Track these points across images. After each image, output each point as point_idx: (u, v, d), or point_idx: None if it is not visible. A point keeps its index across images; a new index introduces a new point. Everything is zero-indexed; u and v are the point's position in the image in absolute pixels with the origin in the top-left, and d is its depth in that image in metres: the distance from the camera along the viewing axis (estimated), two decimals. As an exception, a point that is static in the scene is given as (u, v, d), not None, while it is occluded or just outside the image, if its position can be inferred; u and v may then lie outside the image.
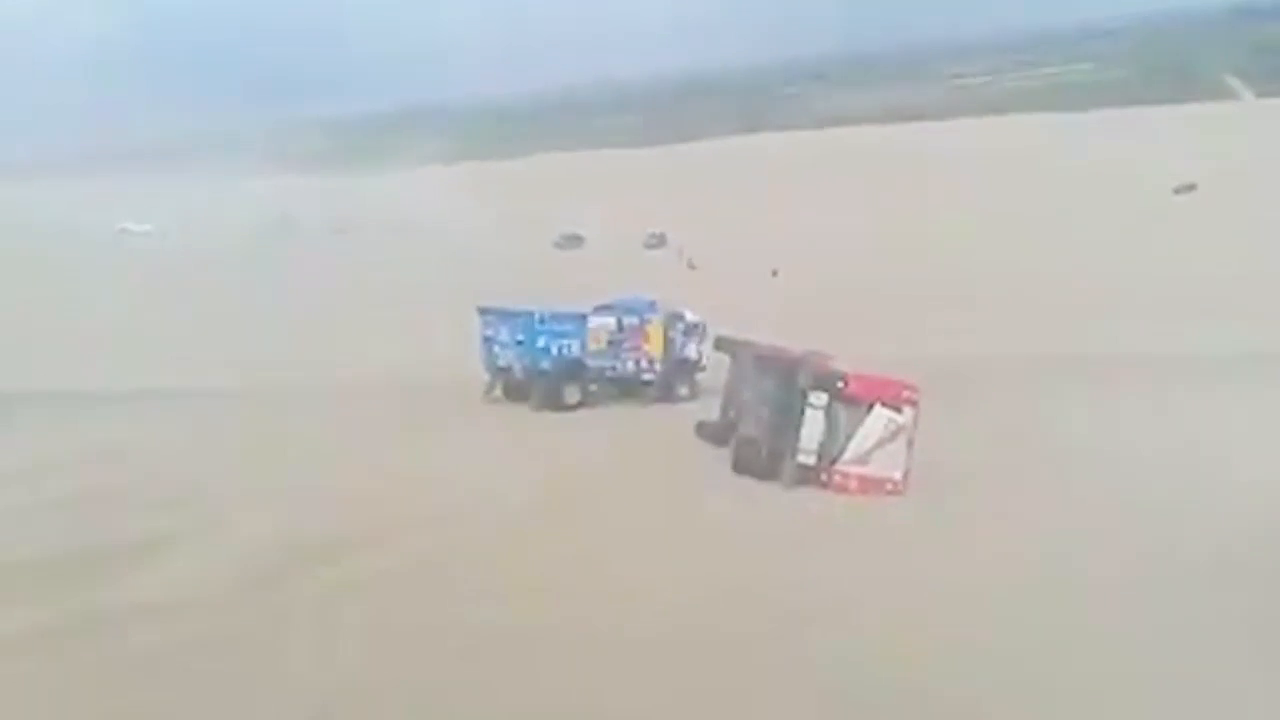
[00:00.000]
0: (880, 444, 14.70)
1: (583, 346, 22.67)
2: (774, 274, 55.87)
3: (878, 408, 14.76)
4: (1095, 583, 10.80)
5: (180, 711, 7.69)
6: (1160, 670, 8.48)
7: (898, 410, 14.77)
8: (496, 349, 22.67)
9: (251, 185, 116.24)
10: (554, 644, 8.93)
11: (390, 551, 11.42)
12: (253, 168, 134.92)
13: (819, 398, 14.87)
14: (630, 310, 23.68)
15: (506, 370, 22.63)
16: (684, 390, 23.77)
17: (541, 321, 22.49)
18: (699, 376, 23.98)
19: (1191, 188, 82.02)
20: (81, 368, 24.35)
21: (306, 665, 8.51)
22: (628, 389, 23.33)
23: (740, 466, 15.63)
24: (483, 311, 22.99)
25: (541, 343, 22.29)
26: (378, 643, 8.99)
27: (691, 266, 60.67)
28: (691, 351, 24.09)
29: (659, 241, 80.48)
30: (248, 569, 10.76)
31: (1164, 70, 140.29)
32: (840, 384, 14.81)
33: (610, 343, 22.99)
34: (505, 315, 22.74)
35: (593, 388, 22.75)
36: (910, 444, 14.73)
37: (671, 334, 23.78)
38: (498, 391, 22.93)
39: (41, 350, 26.11)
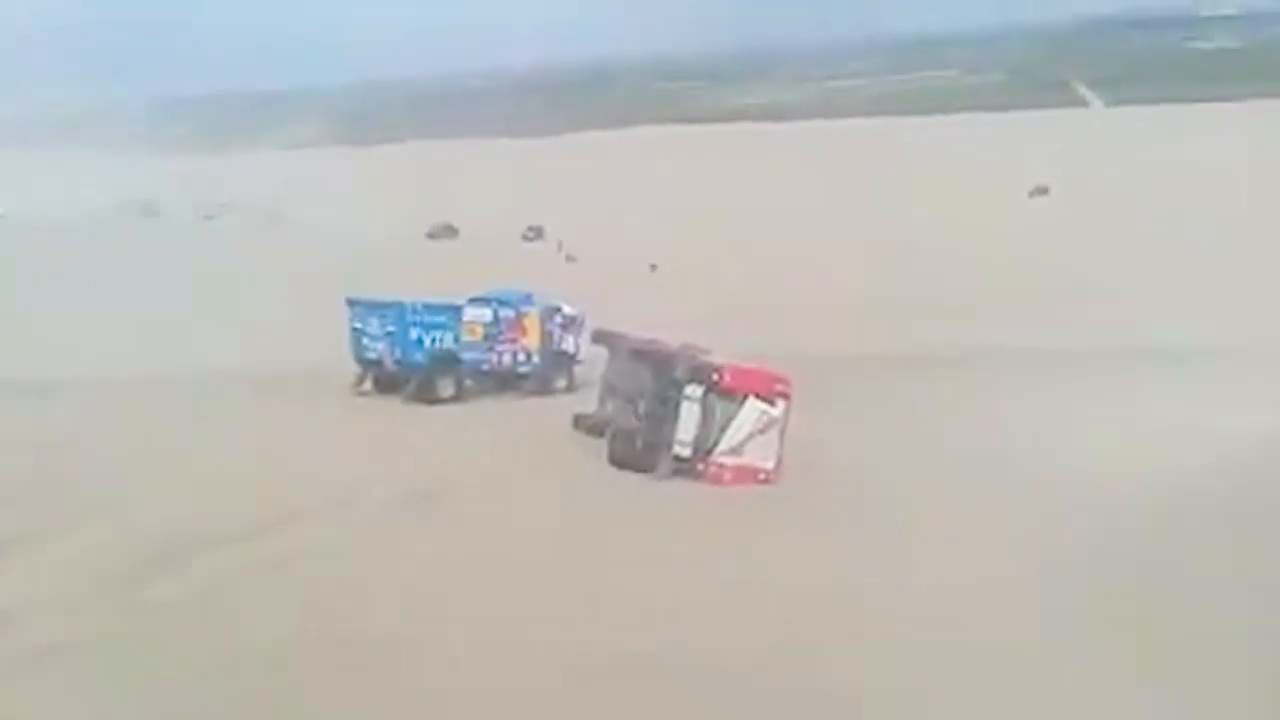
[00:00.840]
0: (753, 435, 14.88)
1: (457, 338, 22.19)
2: (653, 268, 56.26)
3: (751, 400, 14.94)
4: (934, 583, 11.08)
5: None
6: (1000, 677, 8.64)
7: (771, 402, 14.99)
8: (366, 340, 21.93)
9: (113, 166, 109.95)
10: (406, 647, 8.62)
11: (245, 551, 10.83)
12: (115, 148, 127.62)
13: (694, 390, 14.93)
14: (506, 302, 23.30)
15: (377, 362, 21.92)
16: (561, 383, 23.61)
17: (414, 312, 21.87)
18: (576, 369, 23.84)
19: (1045, 191, 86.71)
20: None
21: (146, 675, 7.96)
22: (504, 382, 22.99)
23: (616, 458, 15.57)
24: (351, 303, 22.19)
25: (414, 334, 21.70)
26: (226, 647, 8.49)
27: (570, 259, 60.48)
28: (569, 344, 23.94)
29: (537, 234, 79.82)
30: (92, 572, 10.05)
31: (1022, 78, 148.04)
32: (715, 376, 14.90)
33: (486, 335, 22.59)
34: (375, 306, 22.00)
35: (468, 381, 22.32)
36: (782, 435, 14.97)
37: (549, 326, 23.55)
38: (368, 384, 22.21)
39: None
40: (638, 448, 15.47)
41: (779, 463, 14.94)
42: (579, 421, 17.84)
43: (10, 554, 10.52)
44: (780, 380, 15.21)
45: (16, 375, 21.43)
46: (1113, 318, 34.73)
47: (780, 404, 15.03)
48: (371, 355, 21.88)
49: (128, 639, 8.70)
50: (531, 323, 23.19)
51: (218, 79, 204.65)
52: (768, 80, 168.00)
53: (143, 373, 22.59)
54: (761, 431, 14.91)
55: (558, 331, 23.77)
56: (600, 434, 16.73)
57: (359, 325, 21.98)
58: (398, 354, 21.55)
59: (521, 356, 23.12)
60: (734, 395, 14.92)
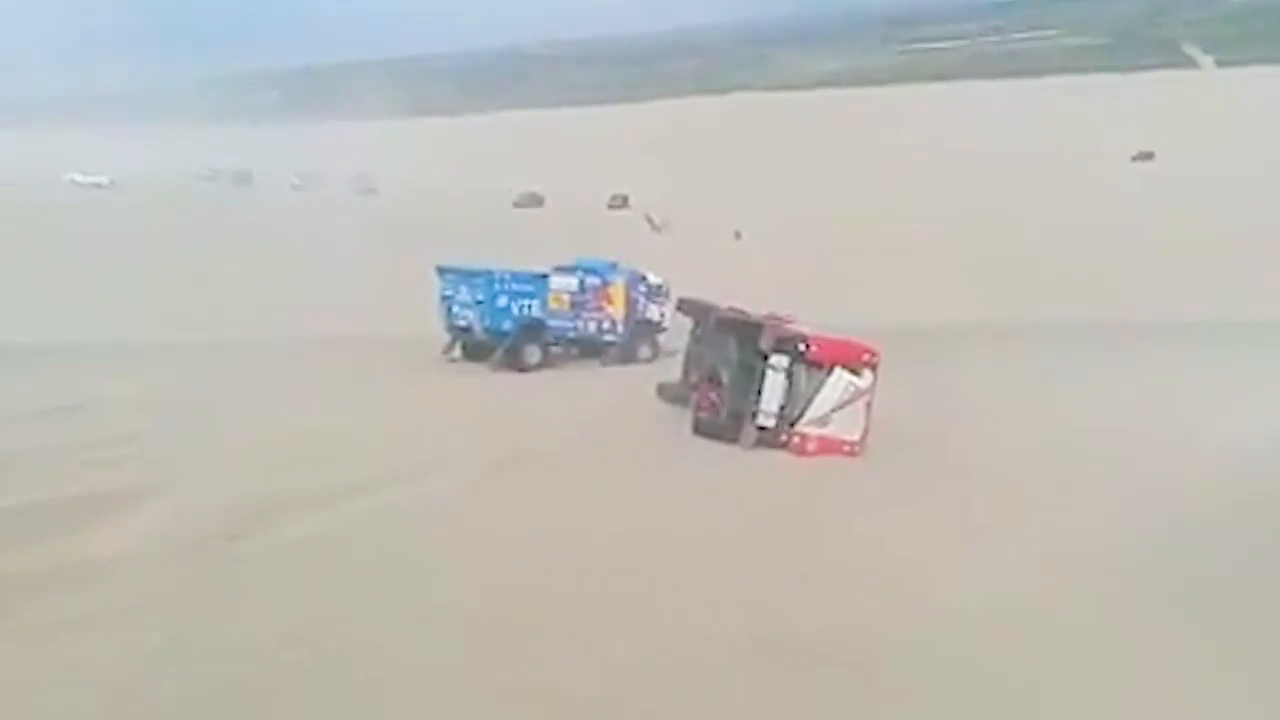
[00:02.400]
0: (839, 406, 14.73)
1: (543, 306, 22.44)
2: (737, 236, 55.91)
3: (838, 370, 14.77)
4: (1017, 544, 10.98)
5: (110, 672, 7.47)
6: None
7: (857, 374, 14.80)
8: (455, 308, 22.33)
9: (207, 136, 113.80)
10: (502, 615, 8.81)
11: (337, 513, 11.19)
12: (208, 119, 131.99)
13: (780, 360, 14.83)
14: (592, 271, 23.46)
15: (466, 330, 22.32)
16: (646, 352, 23.74)
17: (502, 281, 22.18)
18: (660, 338, 23.92)
19: (1149, 156, 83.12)
20: (34, 321, 23.58)
21: (245, 626, 8.31)
22: (589, 350, 23.21)
23: (701, 428, 15.60)
24: (442, 271, 22.61)
25: (502, 302, 22.02)
26: (328, 602, 8.82)
27: (656, 229, 60.41)
28: (654, 313, 24.02)
29: (622, 202, 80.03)
30: (198, 527, 10.49)
31: (1128, 38, 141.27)
32: (801, 347, 14.77)
33: (572, 303, 22.80)
34: (464, 274, 22.37)
35: (553, 348, 22.59)
36: (869, 407, 14.79)
37: (634, 295, 23.65)
38: (456, 351, 22.64)
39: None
40: (722, 417, 15.48)
41: (865, 434, 14.78)
42: (663, 390, 17.90)
43: (109, 511, 10.86)
44: (868, 351, 15.00)
45: (118, 337, 22.38)
46: (1214, 289, 33.26)
47: (867, 375, 14.83)
48: (461, 322, 22.29)
49: (215, 596, 8.95)
50: (617, 291, 23.32)
51: (303, 52, 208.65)
52: (855, 44, 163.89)
53: (238, 337, 23.43)
54: (848, 402, 14.73)
55: (642, 300, 23.87)
56: (684, 403, 16.78)
57: (449, 293, 22.39)
58: (486, 321, 21.91)
59: (606, 325, 23.30)
60: (821, 366, 14.77)
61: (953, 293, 34.76)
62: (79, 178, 72.16)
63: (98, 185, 71.75)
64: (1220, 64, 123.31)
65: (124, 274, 31.00)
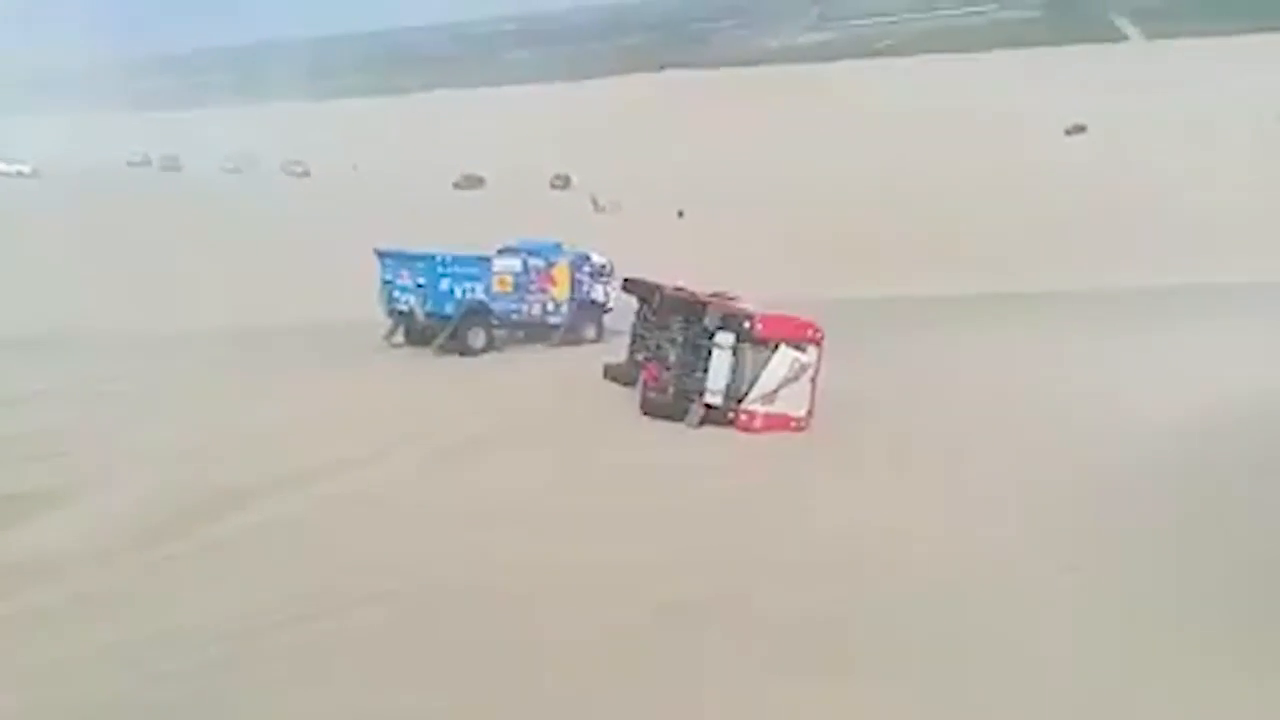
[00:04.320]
0: (785, 382, 14.82)
1: (487, 289, 22.15)
2: (680, 215, 55.90)
3: (783, 347, 14.85)
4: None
5: (55, 671, 7.24)
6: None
7: (802, 350, 14.90)
8: (396, 293, 21.92)
9: (131, 121, 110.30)
10: (449, 595, 8.74)
11: (282, 501, 10.99)
12: (132, 103, 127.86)
13: (725, 338, 14.87)
14: (535, 252, 23.23)
15: (408, 314, 21.93)
16: (591, 332, 23.63)
17: (444, 264, 21.81)
18: (606, 318, 23.83)
19: (1082, 129, 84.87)
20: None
21: (191, 620, 8.11)
22: (534, 332, 23.02)
23: (648, 407, 15.59)
24: (381, 255, 22.17)
25: (444, 286, 21.65)
26: (260, 597, 8.63)
27: (600, 209, 60.14)
28: (599, 294, 23.88)
29: (564, 183, 79.53)
30: (132, 523, 10.21)
31: (1058, 12, 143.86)
32: (746, 324, 14.81)
33: (516, 285, 22.55)
34: (405, 258, 21.95)
35: (499, 331, 22.36)
36: (814, 382, 14.92)
37: (578, 276, 23.50)
38: (399, 336, 22.28)
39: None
40: (669, 396, 15.49)
41: (811, 410, 14.91)
42: (609, 371, 17.84)
43: (56, 505, 10.66)
44: (811, 327, 15.10)
45: (51, 330, 21.68)
46: (1150, 256, 34.21)
47: (812, 351, 14.94)
48: (402, 307, 21.90)
49: (160, 589, 8.78)
50: (561, 273, 23.14)
51: (230, 32, 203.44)
52: (791, 22, 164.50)
53: (174, 327, 22.81)
54: (794, 379, 14.83)
55: (587, 281, 23.72)
56: (631, 383, 16.77)
57: (389, 277, 21.97)
58: (429, 305, 21.53)
59: (551, 306, 23.12)
60: (766, 343, 14.84)
61: (892, 267, 35.24)
62: (2, 166, 69.23)
63: (20, 174, 68.87)
64: (1148, 36, 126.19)
65: (53, 265, 29.89)
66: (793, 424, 14.83)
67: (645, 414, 15.51)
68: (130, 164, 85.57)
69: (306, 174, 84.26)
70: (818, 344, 14.99)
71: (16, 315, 22.45)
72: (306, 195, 64.20)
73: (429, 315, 21.58)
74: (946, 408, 16.01)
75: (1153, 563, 9.50)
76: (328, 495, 11.40)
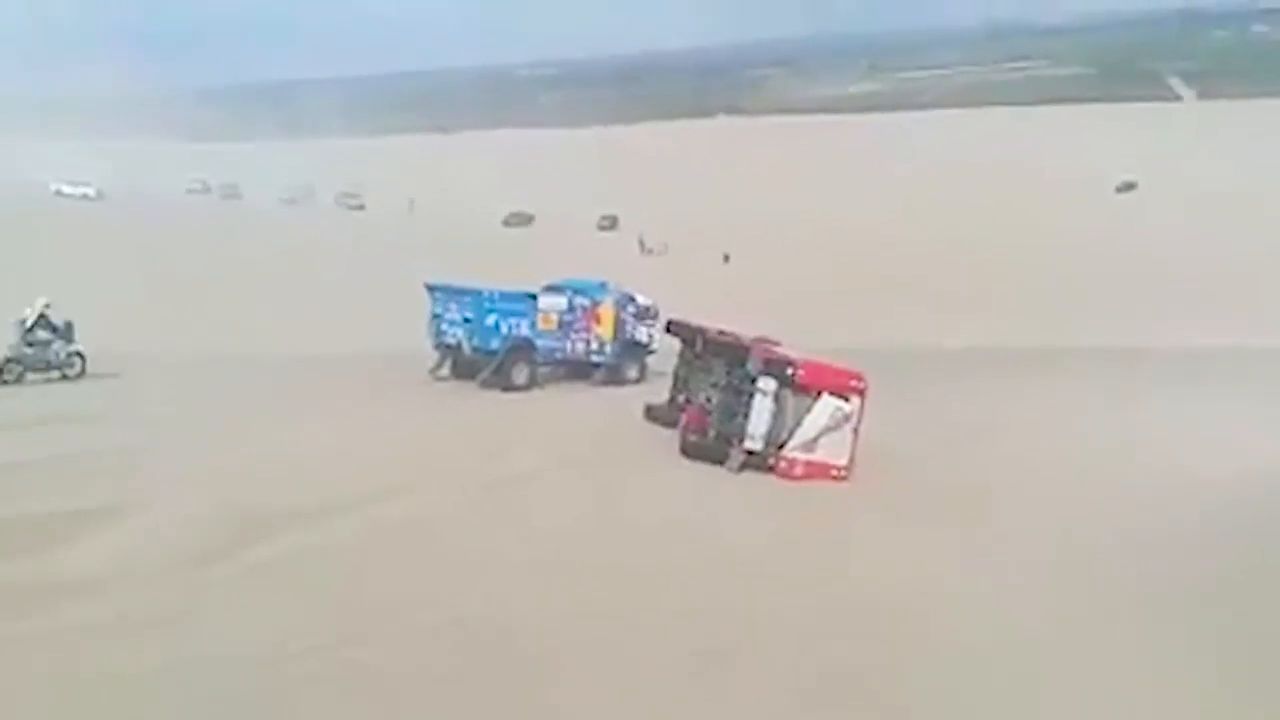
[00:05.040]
0: (826, 431, 14.82)
1: (532, 326, 22.43)
2: (726, 259, 56.20)
3: (825, 396, 14.86)
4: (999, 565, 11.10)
5: (96, 689, 7.40)
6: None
7: (845, 399, 14.90)
8: (445, 326, 22.29)
9: (192, 150, 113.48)
10: (492, 627, 8.82)
11: (325, 529, 11.17)
12: (195, 131, 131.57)
13: (768, 384, 14.92)
14: (581, 291, 23.51)
15: (455, 348, 22.28)
16: (634, 373, 23.74)
17: (491, 300, 22.18)
18: (649, 360, 23.97)
19: (1132, 186, 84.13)
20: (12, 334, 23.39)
21: (229, 643, 8.26)
22: (577, 370, 23.21)
23: (688, 450, 15.63)
24: (431, 288, 22.60)
25: (490, 321, 21.98)
26: (302, 618, 8.78)
27: (647, 251, 60.62)
28: (642, 334, 24.05)
29: (611, 223, 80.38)
30: (180, 544, 10.42)
31: (1110, 70, 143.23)
32: (789, 371, 14.86)
33: (560, 323, 22.81)
34: (454, 292, 22.36)
35: (542, 368, 22.58)
36: (856, 432, 14.89)
37: (622, 316, 23.69)
38: (445, 369, 22.61)
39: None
40: (709, 439, 15.54)
41: (852, 459, 14.86)
42: (651, 412, 17.90)
43: (106, 524, 10.83)
44: (855, 376, 15.11)
45: (110, 352, 22.17)
46: (1196, 316, 33.68)
47: (855, 400, 14.93)
48: (449, 340, 22.24)
49: (206, 611, 8.91)
50: (605, 312, 23.36)
51: (291, 66, 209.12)
52: (844, 71, 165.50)
53: (228, 351, 23.33)
54: (835, 428, 14.82)
55: (631, 321, 23.90)
56: (672, 425, 16.79)
57: (438, 311, 22.36)
58: (475, 340, 21.86)
59: (595, 345, 23.31)
60: (808, 390, 14.86)
61: (938, 317, 35.03)
62: (66, 188, 71.64)
63: (85, 196, 71.23)
64: (1202, 97, 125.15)
65: (114, 286, 30.81)
66: (833, 473, 14.79)
67: (685, 456, 15.56)
68: (190, 191, 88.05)
69: (361, 207, 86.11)
70: (860, 394, 14.98)
71: (78, 335, 23.10)
72: (360, 227, 65.59)
73: (475, 350, 21.89)
74: (989, 461, 15.83)
75: (1189, 630, 9.33)
76: (367, 525, 11.54)
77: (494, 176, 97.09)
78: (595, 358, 23.35)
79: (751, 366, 15.15)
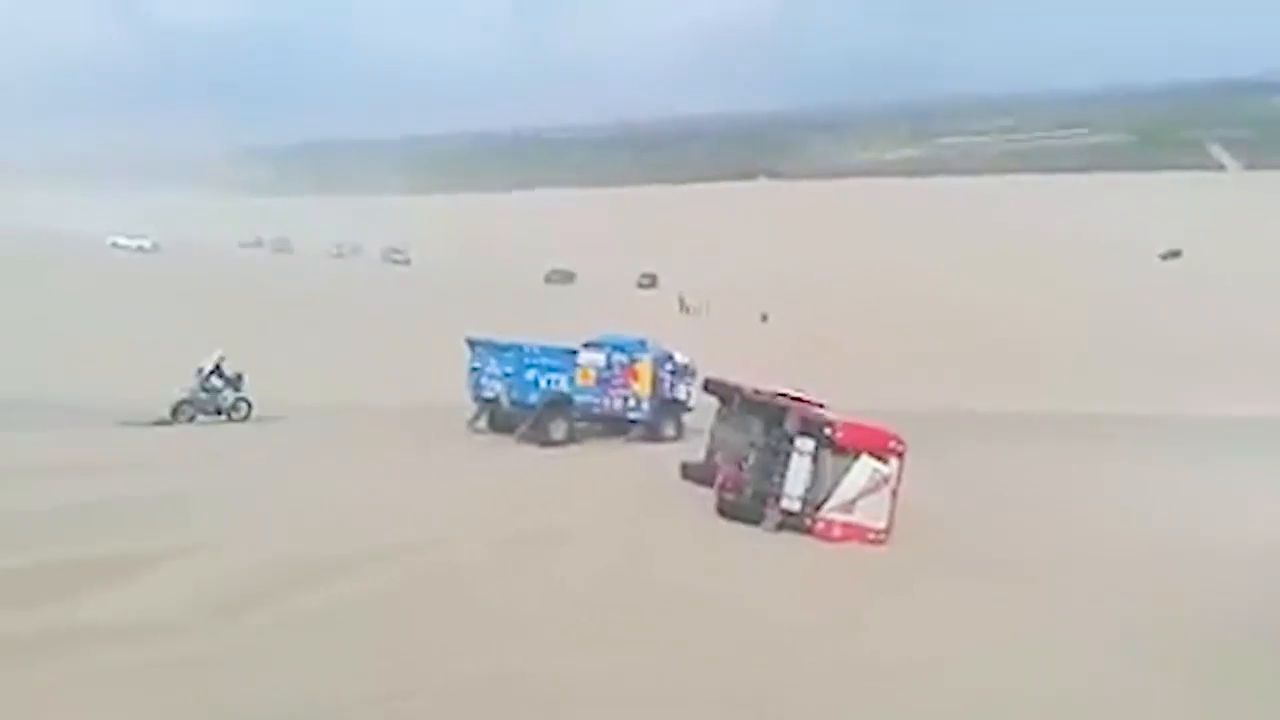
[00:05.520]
0: (865, 493, 14.73)
1: (571, 382, 22.63)
2: (764, 319, 56.33)
3: (864, 457, 14.81)
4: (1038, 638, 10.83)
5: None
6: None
7: (884, 461, 14.83)
8: (484, 380, 22.59)
9: (245, 205, 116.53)
10: (519, 683, 8.81)
11: (358, 580, 11.20)
12: (247, 188, 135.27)
13: (806, 444, 14.90)
14: (620, 348, 23.71)
15: (493, 401, 22.55)
16: (670, 430, 23.79)
17: (531, 354, 22.46)
18: (686, 417, 24.02)
19: (1177, 254, 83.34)
20: (72, 380, 24.08)
21: (272, 689, 8.33)
22: (614, 426, 23.31)
23: (725, 509, 15.58)
24: (472, 343, 22.97)
25: (529, 376, 22.24)
26: (326, 678, 8.80)
27: (686, 310, 60.97)
28: (680, 392, 24.15)
29: (651, 281, 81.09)
30: (225, 590, 10.50)
31: (1153, 138, 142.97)
32: (828, 431, 14.85)
33: (599, 379, 22.99)
34: (494, 347, 22.71)
35: (579, 423, 22.72)
36: (894, 495, 14.78)
37: (660, 373, 23.83)
38: (483, 422, 22.85)
39: (32, 361, 25.80)
40: (746, 498, 15.49)
41: (890, 522, 14.74)
42: (687, 470, 17.91)
43: (146, 568, 10.93)
44: (894, 438, 15.05)
45: (156, 402, 22.77)
46: (1242, 385, 33.10)
47: (893, 462, 14.85)
48: (489, 394, 22.52)
49: (229, 661, 8.87)
50: (644, 369, 23.50)
51: (336, 126, 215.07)
52: (884, 136, 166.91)
53: (270, 402, 23.69)
54: (873, 490, 14.74)
55: (669, 379, 24.03)
56: (708, 483, 16.77)
57: (478, 365, 22.69)
58: (514, 394, 22.13)
59: (632, 402, 23.43)
60: (847, 451, 14.82)
61: (977, 381, 34.77)
62: (122, 241, 73.69)
63: (141, 249, 73.18)
64: (1246, 166, 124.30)
65: (171, 337, 31.60)
66: (870, 536, 14.66)
67: (722, 515, 15.51)
68: (243, 245, 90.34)
69: (406, 262, 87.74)
70: (899, 456, 14.90)
71: (138, 385, 23.67)
72: (405, 282, 66.73)
73: (513, 403, 22.14)
74: (1030, 529, 15.66)
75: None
76: (405, 575, 11.53)
77: (538, 235, 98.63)
78: (632, 414, 23.44)
79: (789, 426, 15.15)
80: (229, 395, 22.17)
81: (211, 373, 22.04)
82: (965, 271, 75.29)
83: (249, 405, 22.34)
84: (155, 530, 12.62)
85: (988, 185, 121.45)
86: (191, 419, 21.58)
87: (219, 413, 21.96)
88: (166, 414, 21.27)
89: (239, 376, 22.29)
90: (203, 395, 21.90)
